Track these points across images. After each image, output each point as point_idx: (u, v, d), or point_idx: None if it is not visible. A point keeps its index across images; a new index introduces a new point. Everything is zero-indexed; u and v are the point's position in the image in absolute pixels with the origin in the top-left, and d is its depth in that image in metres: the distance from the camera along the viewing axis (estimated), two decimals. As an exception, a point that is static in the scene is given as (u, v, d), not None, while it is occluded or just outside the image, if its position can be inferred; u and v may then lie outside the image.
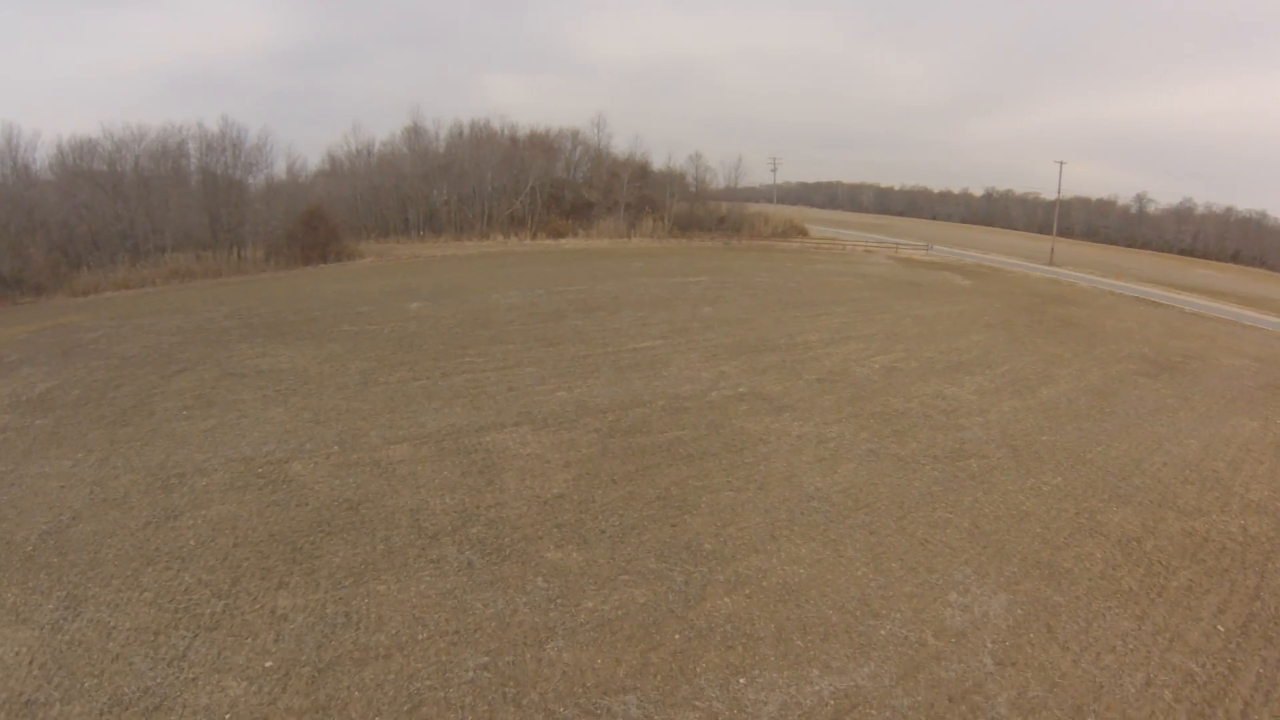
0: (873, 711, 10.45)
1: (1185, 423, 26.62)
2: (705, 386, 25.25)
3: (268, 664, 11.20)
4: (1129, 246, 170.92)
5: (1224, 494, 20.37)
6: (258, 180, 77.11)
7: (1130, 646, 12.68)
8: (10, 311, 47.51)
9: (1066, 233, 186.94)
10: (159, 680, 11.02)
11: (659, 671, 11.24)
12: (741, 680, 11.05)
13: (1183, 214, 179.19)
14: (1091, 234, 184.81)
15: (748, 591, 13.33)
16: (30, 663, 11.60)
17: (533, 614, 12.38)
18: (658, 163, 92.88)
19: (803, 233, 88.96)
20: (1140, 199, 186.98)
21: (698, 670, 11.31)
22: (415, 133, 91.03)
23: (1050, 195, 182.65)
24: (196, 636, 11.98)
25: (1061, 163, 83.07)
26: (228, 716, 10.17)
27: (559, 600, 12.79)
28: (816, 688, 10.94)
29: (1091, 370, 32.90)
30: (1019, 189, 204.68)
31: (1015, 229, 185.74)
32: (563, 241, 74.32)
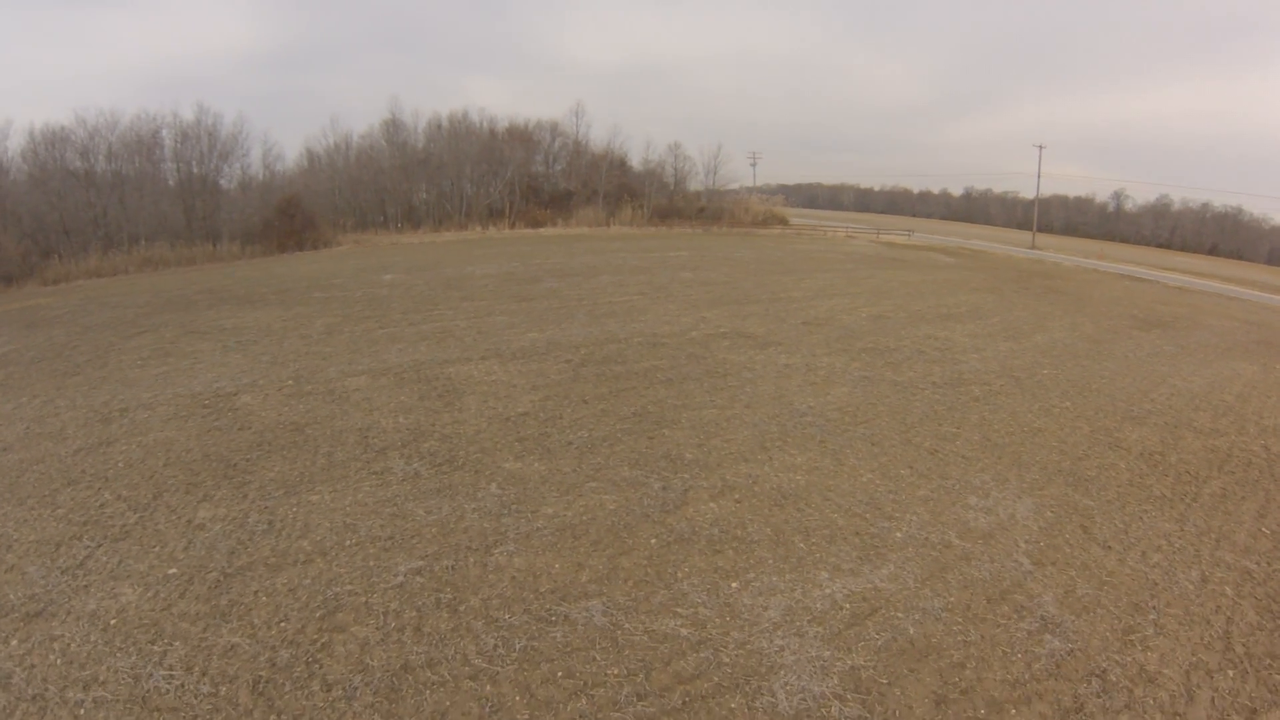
0: (899, 614, 8.66)
1: (1186, 365, 25.23)
2: (685, 328, 23.45)
3: (171, 571, 9.33)
4: (1108, 240, 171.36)
5: (1238, 419, 18.93)
6: (233, 170, 75.05)
7: (1176, 546, 11.04)
8: None
9: (1046, 229, 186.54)
10: (48, 588, 9.15)
11: (630, 577, 9.41)
12: (734, 584, 9.22)
13: (1160, 210, 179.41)
14: (1071, 230, 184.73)
15: (737, 497, 11.54)
16: None
17: (481, 520, 10.53)
18: (636, 161, 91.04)
19: (783, 221, 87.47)
20: (1118, 195, 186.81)
21: (678, 575, 9.49)
22: (394, 126, 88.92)
23: (1028, 195, 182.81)
24: (100, 546, 10.12)
25: (1041, 146, 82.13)
26: (113, 621, 8.29)
27: (514, 506, 10.95)
28: (828, 590, 9.13)
29: (1084, 323, 31.54)
30: (998, 188, 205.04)
31: (995, 225, 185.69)
32: (542, 230, 72.46)
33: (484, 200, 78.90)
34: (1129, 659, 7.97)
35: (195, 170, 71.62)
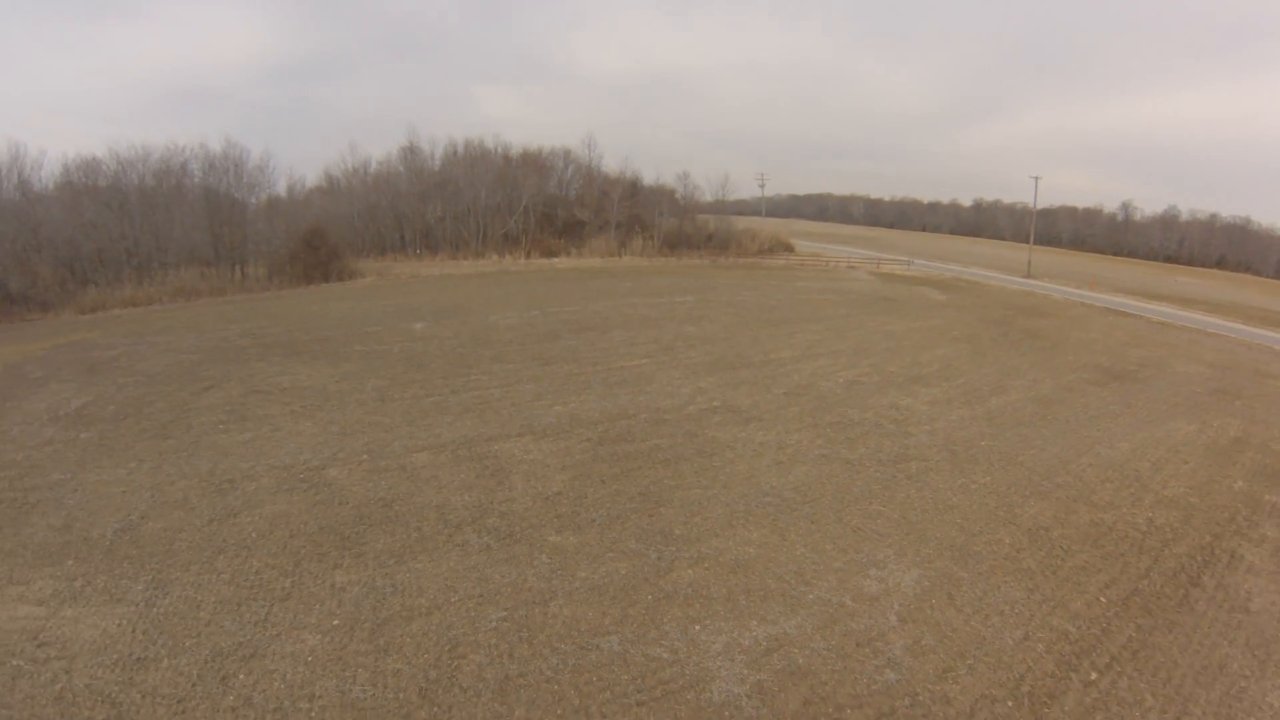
0: (794, 650, 13.96)
1: (1122, 427, 30.02)
2: (683, 401, 28.84)
3: (335, 622, 14.65)
4: (1115, 254, 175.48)
5: (1139, 490, 23.74)
6: (259, 198, 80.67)
7: (1017, 611, 16.17)
8: (20, 328, 50.92)
9: (1054, 241, 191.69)
10: (249, 637, 14.40)
11: (635, 621, 14.76)
12: (697, 627, 14.58)
13: (1168, 221, 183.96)
14: (1079, 243, 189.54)
15: (706, 565, 16.86)
16: (133, 630, 14.89)
17: (539, 581, 15.90)
18: (648, 178, 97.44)
19: (789, 248, 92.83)
20: (1125, 207, 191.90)
21: (664, 621, 14.82)
22: (411, 151, 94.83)
23: (1038, 204, 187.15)
24: (273, 605, 15.39)
25: (1037, 178, 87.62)
26: (310, 658, 13.60)
27: (559, 572, 16.32)
28: (754, 634, 14.46)
29: (1044, 381, 36.35)
30: (1007, 198, 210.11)
31: (1003, 238, 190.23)
32: (556, 260, 77.92)
33: (500, 229, 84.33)
34: (938, 688, 13.17)
35: (223, 200, 76.98)
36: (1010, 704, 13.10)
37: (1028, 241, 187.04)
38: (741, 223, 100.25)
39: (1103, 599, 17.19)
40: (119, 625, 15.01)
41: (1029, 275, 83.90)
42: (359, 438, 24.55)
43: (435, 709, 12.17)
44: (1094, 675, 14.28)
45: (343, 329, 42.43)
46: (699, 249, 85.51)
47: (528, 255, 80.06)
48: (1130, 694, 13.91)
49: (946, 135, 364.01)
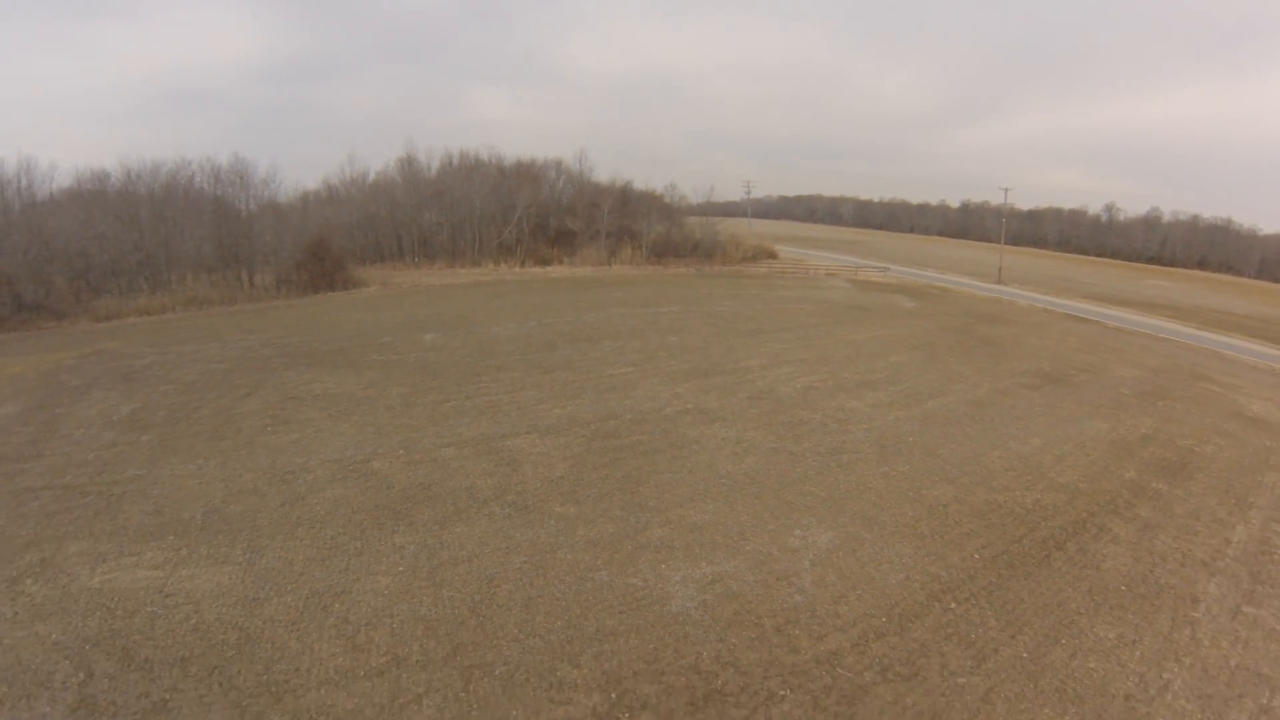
0: (731, 581, 19.97)
1: (1040, 426, 35.92)
2: (661, 404, 34.92)
3: (400, 569, 20.60)
4: (1099, 255, 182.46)
5: (1036, 477, 29.64)
6: (265, 209, 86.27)
7: (904, 561, 22.19)
8: (39, 336, 55.65)
9: (1040, 243, 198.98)
10: (336, 581, 20.28)
11: (618, 562, 20.77)
12: (663, 566, 20.61)
13: (1150, 222, 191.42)
14: (1064, 243, 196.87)
15: (671, 527, 22.91)
16: (242, 581, 20.66)
17: (549, 538, 21.94)
18: (643, 180, 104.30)
19: (772, 255, 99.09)
20: (1109, 208, 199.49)
21: (639, 562, 20.83)
22: (409, 162, 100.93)
23: (1025, 205, 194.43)
24: (350, 559, 21.30)
25: (1006, 189, 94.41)
26: (385, 592, 19.53)
27: (563, 531, 22.36)
28: (703, 571, 20.49)
29: (983, 385, 42.35)
30: (995, 200, 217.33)
31: (990, 240, 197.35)
32: (549, 269, 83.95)
33: (495, 238, 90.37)
34: (832, 608, 19.21)
35: (231, 212, 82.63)
36: (884, 619, 19.12)
37: (1013, 243, 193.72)
38: (727, 229, 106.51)
39: (976, 555, 23.14)
40: (229, 579, 20.69)
41: (1000, 281, 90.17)
42: (393, 437, 30.49)
43: (480, 619, 18.15)
44: (953, 605, 20.27)
45: (358, 339, 48.24)
46: (685, 257, 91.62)
47: (522, 264, 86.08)
48: (979, 618, 19.85)
49: (942, 136, 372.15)
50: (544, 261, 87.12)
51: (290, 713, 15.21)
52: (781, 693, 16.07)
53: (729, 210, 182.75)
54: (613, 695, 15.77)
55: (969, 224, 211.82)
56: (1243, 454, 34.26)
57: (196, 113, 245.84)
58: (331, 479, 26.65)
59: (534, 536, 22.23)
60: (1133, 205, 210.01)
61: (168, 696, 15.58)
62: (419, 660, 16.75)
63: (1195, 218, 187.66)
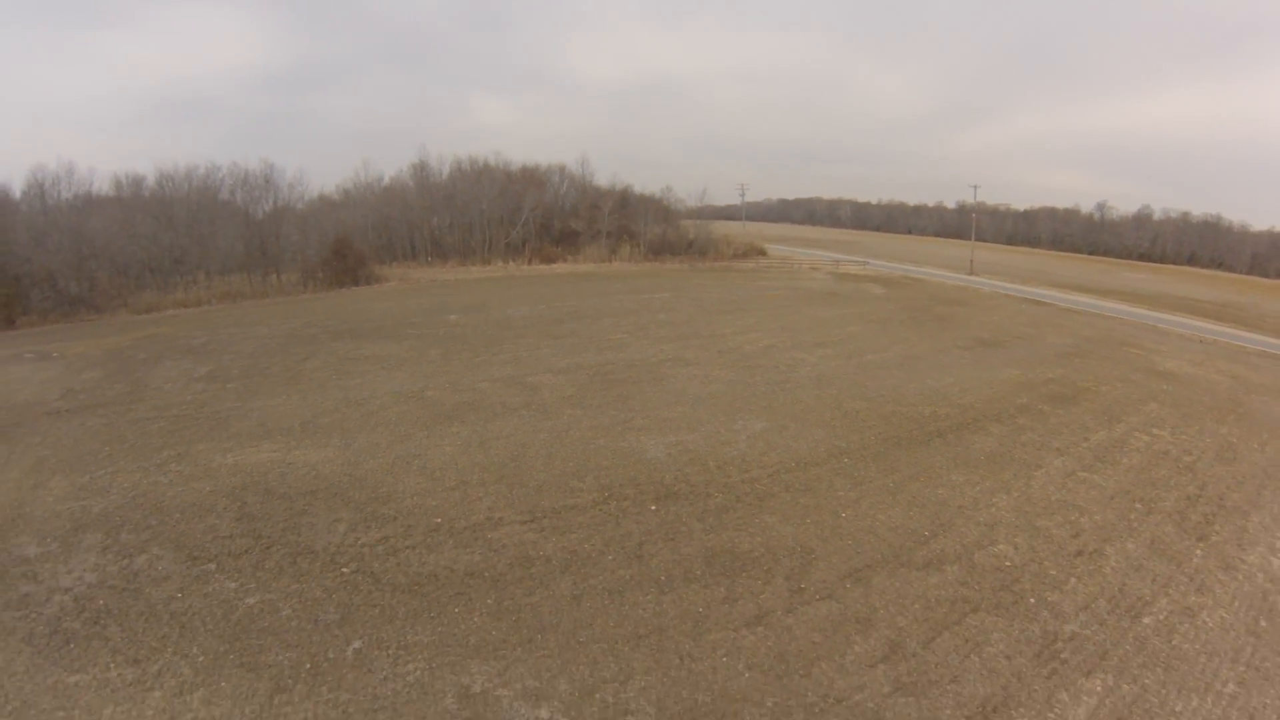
0: (689, 444, 30.13)
1: (959, 373, 45.53)
2: (649, 356, 45.21)
3: (459, 442, 30.68)
4: (1090, 253, 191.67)
5: (941, 401, 39.38)
6: (284, 209, 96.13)
7: (815, 439, 32.16)
8: (84, 326, 63.59)
9: (1034, 242, 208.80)
10: (414, 451, 30.27)
11: (612, 436, 30.93)
12: (643, 438, 30.83)
13: (1141, 220, 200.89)
14: (1057, 242, 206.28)
15: (650, 421, 33.12)
16: (342, 455, 30.42)
17: (562, 426, 32.18)
18: (643, 184, 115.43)
19: (761, 253, 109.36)
20: (1101, 207, 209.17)
21: (626, 436, 31.01)
22: (421, 168, 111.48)
23: (1020, 205, 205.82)
24: (421, 440, 31.31)
25: (976, 186, 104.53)
26: (450, 454, 29.58)
27: (573, 423, 32.60)
28: (670, 440, 30.70)
29: (922, 346, 52.13)
30: (989, 201, 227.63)
31: (983, 239, 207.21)
32: (554, 266, 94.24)
33: (503, 239, 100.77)
34: (757, 458, 29.26)
35: (259, 215, 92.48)
36: (793, 465, 29.12)
37: (1008, 242, 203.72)
38: (720, 229, 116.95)
39: (872, 438, 33.01)
40: (332, 454, 30.53)
41: (972, 273, 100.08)
42: (439, 378, 40.63)
43: (518, 463, 28.30)
44: (846, 460, 30.23)
45: (390, 320, 58.34)
46: (680, 254, 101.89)
47: (529, 262, 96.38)
48: (863, 468, 29.72)
49: (939, 139, 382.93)
50: (549, 259, 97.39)
51: (395, 511, 25.07)
52: (716, 495, 26.17)
53: (728, 214, 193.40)
54: (605, 494, 25.93)
55: (964, 225, 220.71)
56: (1134, 392, 43.37)
57: (197, 121, 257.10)
58: (395, 402, 36.70)
59: (552, 424, 32.52)
60: (1129, 206, 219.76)
61: (306, 508, 25.39)
62: (478, 482, 26.93)
63: (1185, 215, 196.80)
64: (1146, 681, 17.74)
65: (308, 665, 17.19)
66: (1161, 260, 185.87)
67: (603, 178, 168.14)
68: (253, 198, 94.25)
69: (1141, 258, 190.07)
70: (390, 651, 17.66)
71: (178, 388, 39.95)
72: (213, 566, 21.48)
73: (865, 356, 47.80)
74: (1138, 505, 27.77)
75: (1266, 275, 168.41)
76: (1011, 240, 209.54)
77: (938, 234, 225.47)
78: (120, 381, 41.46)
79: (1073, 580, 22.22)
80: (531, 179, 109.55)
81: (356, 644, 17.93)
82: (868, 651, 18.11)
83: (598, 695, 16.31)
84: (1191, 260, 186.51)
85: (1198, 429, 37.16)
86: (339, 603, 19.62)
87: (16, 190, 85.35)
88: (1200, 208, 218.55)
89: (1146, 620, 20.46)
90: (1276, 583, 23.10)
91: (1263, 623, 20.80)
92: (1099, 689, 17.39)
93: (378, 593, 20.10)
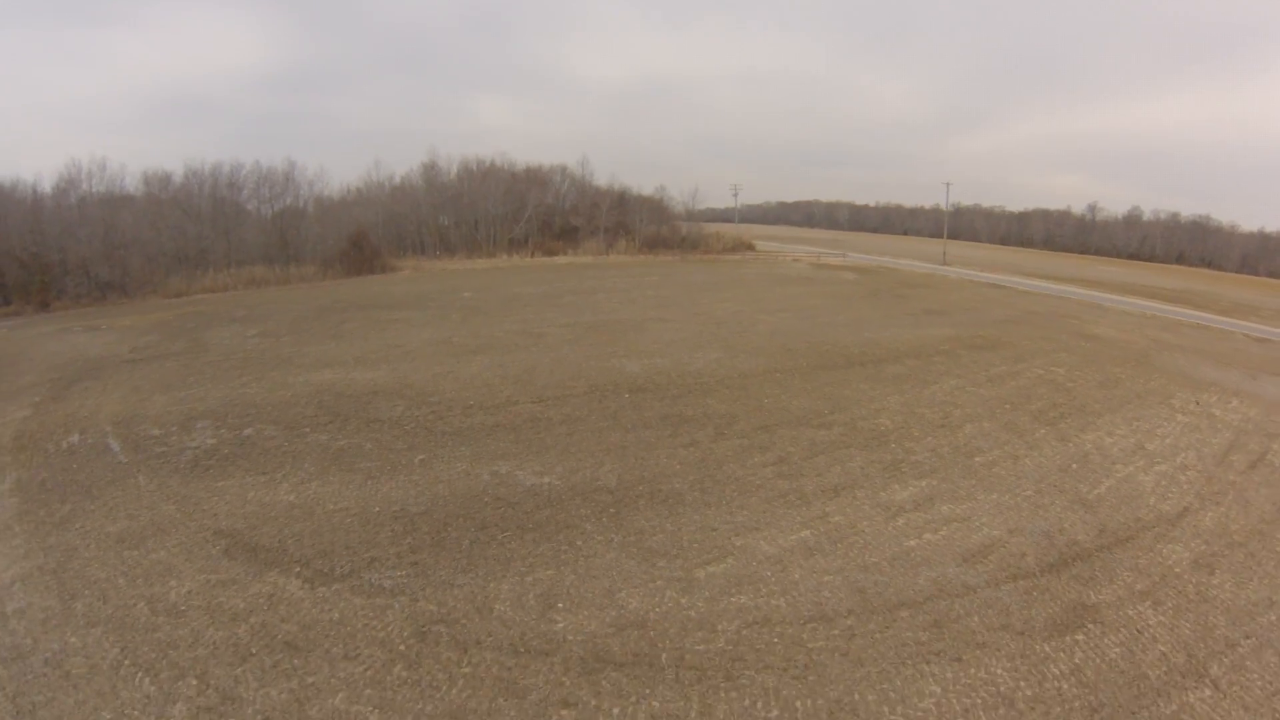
0: (659, 366, 40.39)
1: (898, 330, 55.11)
2: (634, 316, 55.51)
3: (485, 362, 40.81)
4: (1081, 253, 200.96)
5: (875, 346, 49.11)
6: (309, 204, 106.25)
7: (759, 366, 42.01)
8: (117, 308, 69.78)
9: (1028, 242, 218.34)
10: (449, 369, 40.28)
11: (601, 360, 41.13)
12: (625, 362, 41.18)
13: (1131, 221, 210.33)
14: (1050, 243, 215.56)
15: (630, 351, 43.42)
16: (390, 375, 40.30)
17: (564, 355, 42.59)
18: (644, 186, 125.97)
19: (749, 248, 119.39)
20: (1092, 208, 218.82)
21: (610, 360, 41.27)
22: (430, 167, 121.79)
23: (1015, 207, 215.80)
24: (456, 363, 41.35)
25: (948, 184, 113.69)
26: (479, 369, 39.59)
27: (570, 353, 42.99)
28: (643, 364, 40.99)
29: (873, 315, 61.87)
30: (986, 203, 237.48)
31: (978, 239, 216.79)
32: (556, 259, 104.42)
33: (508, 234, 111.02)
34: (709, 374, 39.39)
35: (280, 208, 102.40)
36: (736, 377, 39.06)
37: (1002, 242, 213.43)
38: (712, 227, 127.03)
39: (804, 363, 42.89)
40: (383, 375, 40.22)
41: (945, 263, 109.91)
42: (461, 330, 50.74)
43: (528, 374, 38.52)
44: (777, 375, 40.03)
45: (411, 298, 68.48)
46: (674, 249, 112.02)
47: (532, 255, 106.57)
48: (789, 380, 39.55)
49: (940, 142, 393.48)
50: (550, 253, 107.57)
51: (439, 399, 35.08)
52: (674, 389, 36.29)
53: (726, 217, 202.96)
54: (593, 388, 36.13)
55: (959, 226, 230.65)
56: (1051, 346, 51.72)
57: (200, 121, 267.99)
58: (428, 346, 46.73)
59: (554, 354, 42.90)
60: (1123, 208, 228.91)
61: (370, 401, 35.44)
62: (499, 383, 37.13)
63: (1174, 215, 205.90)
64: (961, 484, 27.24)
65: (388, 468, 27.18)
66: (1151, 259, 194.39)
67: (602, 178, 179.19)
68: (274, 193, 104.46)
69: (1131, 257, 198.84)
70: (444, 460, 27.77)
71: (236, 343, 49.16)
72: (307, 429, 31.50)
73: (819, 318, 57.82)
74: (1007, 406, 37.20)
75: (1256, 275, 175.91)
76: (1005, 241, 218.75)
77: (934, 235, 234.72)
78: (180, 341, 50.41)
79: (930, 439, 31.88)
80: (535, 179, 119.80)
81: (421, 456, 28.04)
82: (763, 461, 28.12)
83: (579, 474, 26.43)
84: (1180, 260, 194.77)
85: (1094, 370, 45.20)
86: (406, 442, 29.70)
87: (47, 185, 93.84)
88: (1193, 210, 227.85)
89: (978, 459, 29.84)
90: (1098, 449, 31.60)
91: (1074, 466, 30.12)
92: (923, 485, 27.00)
93: (432, 437, 30.20)
